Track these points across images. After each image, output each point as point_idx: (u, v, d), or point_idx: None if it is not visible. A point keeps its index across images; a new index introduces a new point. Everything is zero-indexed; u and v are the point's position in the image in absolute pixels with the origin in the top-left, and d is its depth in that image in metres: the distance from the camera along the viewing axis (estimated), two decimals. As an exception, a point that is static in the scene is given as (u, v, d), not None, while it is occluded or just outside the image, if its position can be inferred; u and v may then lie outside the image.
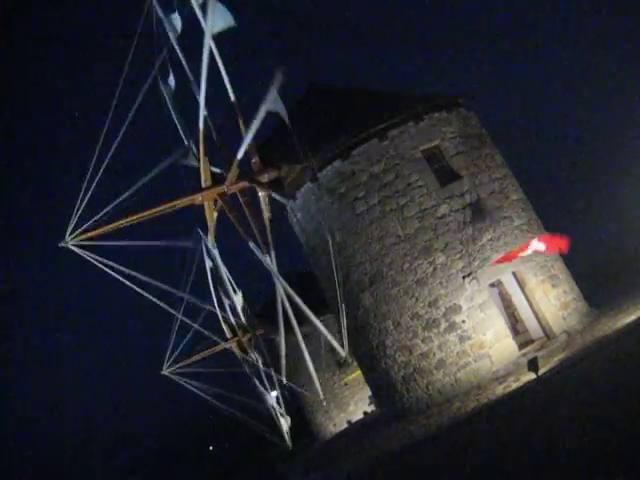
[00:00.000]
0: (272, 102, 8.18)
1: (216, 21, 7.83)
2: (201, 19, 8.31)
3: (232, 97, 8.98)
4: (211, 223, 11.91)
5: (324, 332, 10.60)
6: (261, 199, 11.22)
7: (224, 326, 21.95)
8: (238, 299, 16.03)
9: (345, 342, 11.49)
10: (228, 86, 8.73)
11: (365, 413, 26.67)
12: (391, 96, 18.42)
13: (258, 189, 11.26)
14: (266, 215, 11.51)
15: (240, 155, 9.42)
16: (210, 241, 12.21)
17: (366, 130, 16.40)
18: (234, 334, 22.84)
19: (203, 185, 10.45)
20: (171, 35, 9.66)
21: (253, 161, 11.33)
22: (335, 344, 10.99)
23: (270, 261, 10.95)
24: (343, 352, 11.26)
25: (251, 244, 10.59)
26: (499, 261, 15.73)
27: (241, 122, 9.79)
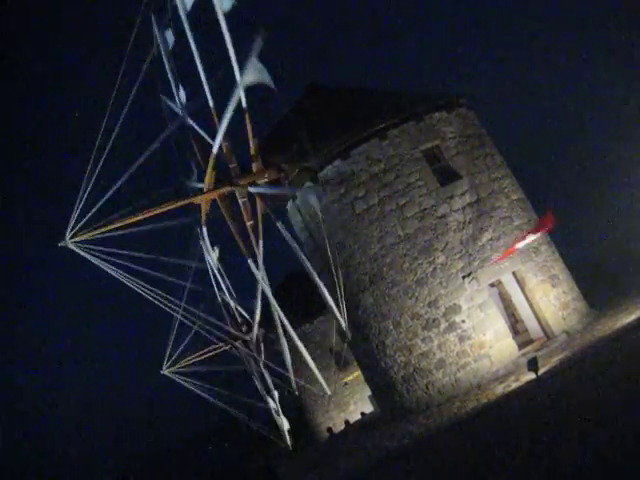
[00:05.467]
0: (254, 72, 7.62)
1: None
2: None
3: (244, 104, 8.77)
4: (204, 216, 11.69)
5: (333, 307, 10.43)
6: (241, 204, 11.01)
7: (227, 326, 21.90)
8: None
9: (344, 318, 11.36)
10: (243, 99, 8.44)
11: (362, 414, 26.67)
12: (391, 96, 18.43)
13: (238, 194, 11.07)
14: (248, 223, 11.31)
15: (217, 144, 9.07)
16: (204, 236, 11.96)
17: (366, 130, 16.40)
18: (234, 334, 22.78)
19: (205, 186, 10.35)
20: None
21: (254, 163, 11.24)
22: (338, 316, 10.86)
23: (257, 268, 10.81)
24: (343, 323, 11.09)
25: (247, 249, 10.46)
26: (501, 257, 15.77)
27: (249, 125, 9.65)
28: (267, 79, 7.65)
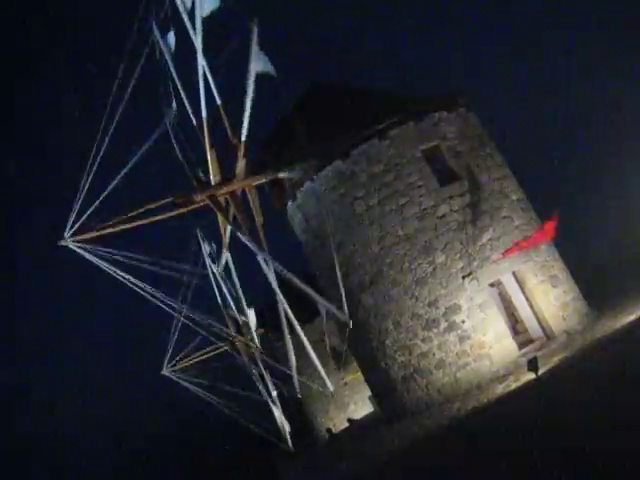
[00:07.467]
0: (259, 61, 7.86)
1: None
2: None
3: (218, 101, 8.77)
4: (224, 226, 11.42)
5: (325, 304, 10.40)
6: (251, 202, 10.91)
7: (228, 322, 21.88)
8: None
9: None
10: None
11: (349, 420, 26.59)
12: (391, 96, 18.42)
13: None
14: (258, 220, 11.24)
15: (244, 136, 9.11)
16: (224, 254, 11.75)
17: (366, 130, 16.39)
18: (235, 334, 22.78)
19: (212, 181, 10.19)
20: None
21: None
22: (337, 312, 10.81)
23: (268, 266, 10.75)
24: (344, 317, 11.05)
25: (251, 244, 10.38)
26: (509, 251, 15.74)
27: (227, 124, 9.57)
28: (270, 67, 7.94)
